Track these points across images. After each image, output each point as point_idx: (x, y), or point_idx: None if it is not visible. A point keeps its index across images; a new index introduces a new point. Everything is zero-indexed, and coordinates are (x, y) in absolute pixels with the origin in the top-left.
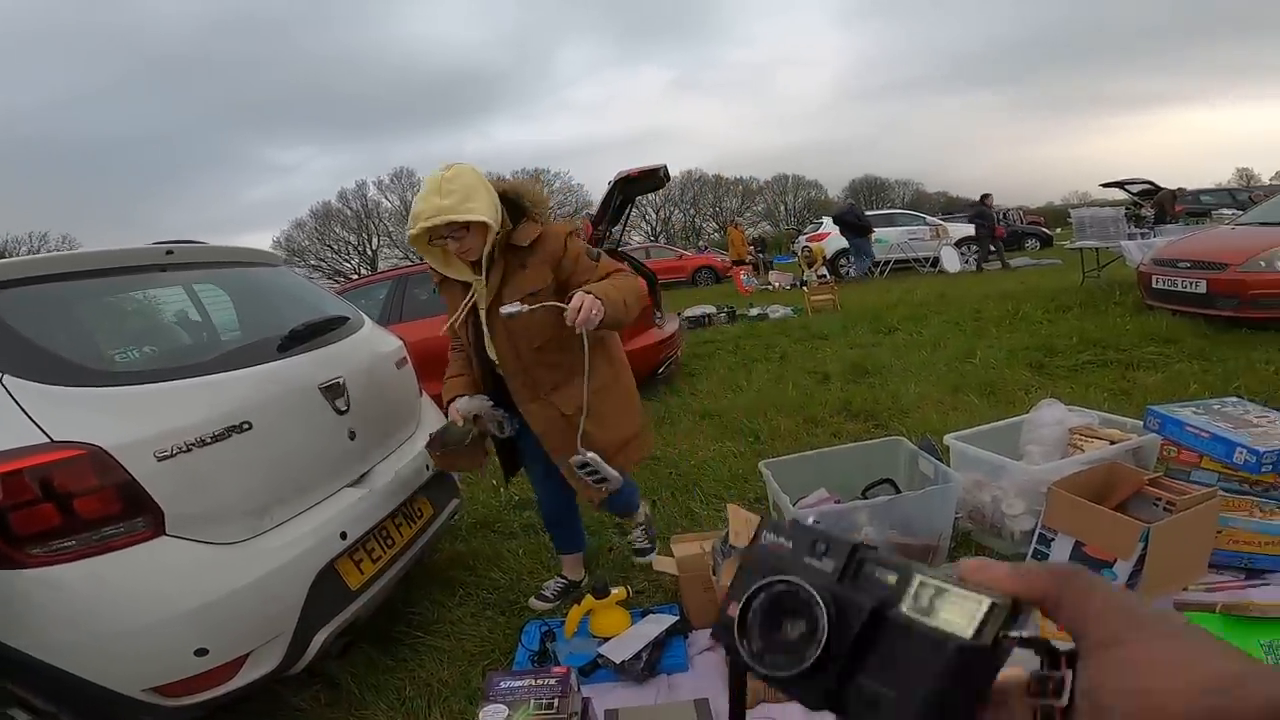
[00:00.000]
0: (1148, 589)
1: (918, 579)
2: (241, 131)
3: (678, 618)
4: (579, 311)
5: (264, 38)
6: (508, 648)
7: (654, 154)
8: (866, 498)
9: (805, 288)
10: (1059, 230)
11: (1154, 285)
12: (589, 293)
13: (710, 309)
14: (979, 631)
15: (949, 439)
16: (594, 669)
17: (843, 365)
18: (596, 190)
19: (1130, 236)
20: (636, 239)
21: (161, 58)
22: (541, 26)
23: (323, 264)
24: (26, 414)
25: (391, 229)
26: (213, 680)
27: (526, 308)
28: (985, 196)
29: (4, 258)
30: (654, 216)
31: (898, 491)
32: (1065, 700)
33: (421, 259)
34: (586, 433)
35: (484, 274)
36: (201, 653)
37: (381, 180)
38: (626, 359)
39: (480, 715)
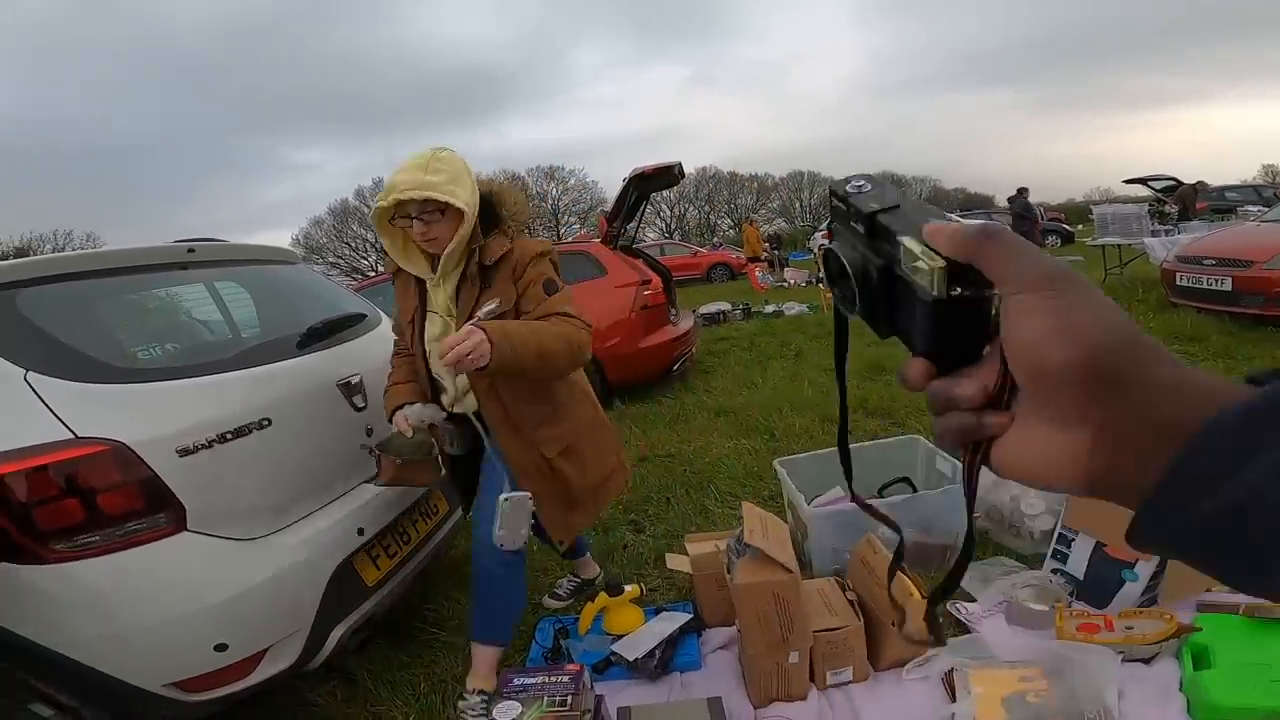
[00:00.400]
0: (1171, 590)
1: (903, 244)
2: (260, 132)
3: (691, 616)
4: (451, 349)
5: (283, 39)
6: (521, 644)
7: (669, 151)
8: (883, 496)
9: (821, 284)
10: (1080, 227)
11: (1178, 283)
12: (481, 327)
13: (725, 306)
14: (937, 289)
15: None
16: (607, 666)
17: (859, 362)
18: (611, 187)
19: (1154, 233)
20: (651, 236)
21: (183, 61)
22: (557, 24)
23: (340, 261)
24: (51, 410)
25: None
26: (232, 675)
27: (500, 307)
28: (1023, 190)
29: (29, 256)
30: (669, 213)
31: (914, 490)
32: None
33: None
34: (563, 475)
35: (443, 280)
36: (221, 648)
37: None
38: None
39: (494, 712)
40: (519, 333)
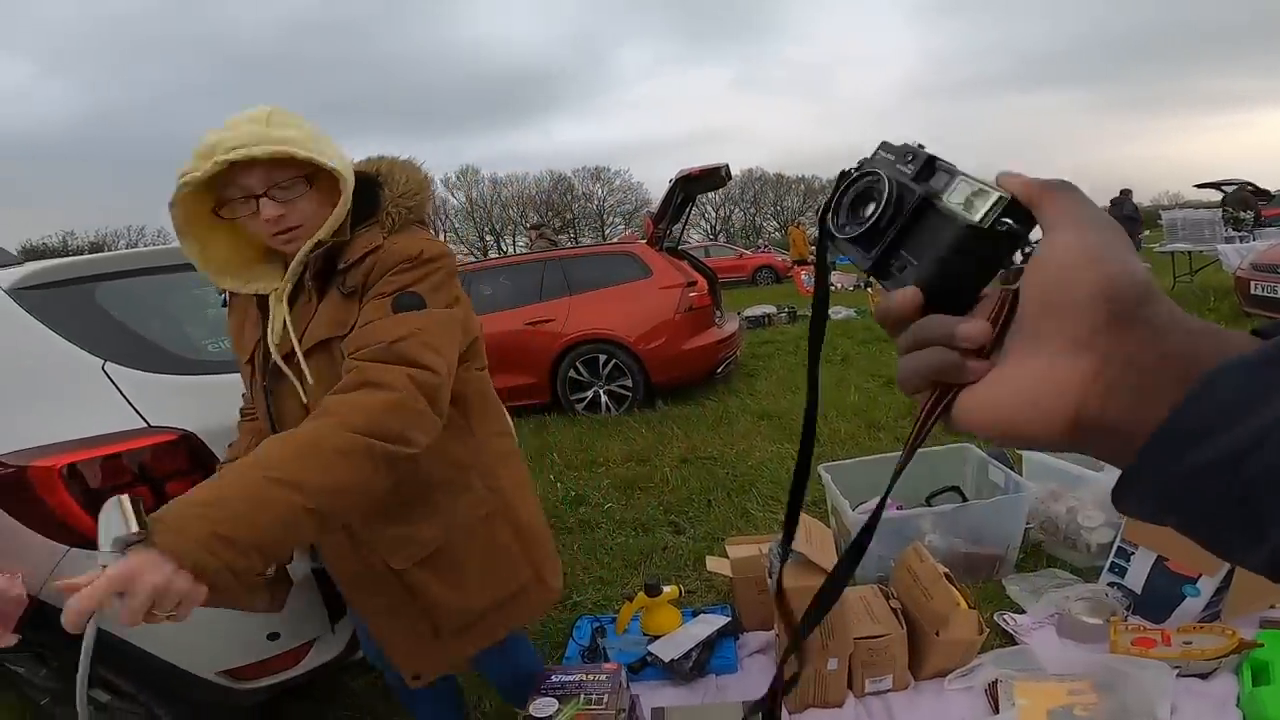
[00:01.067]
0: (1234, 606)
1: (960, 178)
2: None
3: (729, 619)
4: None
5: (340, 41)
6: (559, 641)
7: (715, 153)
8: (931, 505)
9: (869, 289)
10: (1147, 232)
11: (1252, 291)
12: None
13: (770, 309)
14: (984, 217)
15: None
16: (643, 666)
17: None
18: (656, 189)
19: (1228, 239)
20: (695, 238)
21: (250, 61)
22: (605, 26)
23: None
24: (127, 399)
25: (458, 225)
26: (280, 665)
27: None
28: (1126, 192)
29: (103, 251)
30: (713, 215)
31: (964, 500)
32: (1016, 285)
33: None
34: (422, 593)
35: (288, 290)
36: (273, 637)
37: (449, 177)
38: (523, 473)
39: (530, 708)
40: (241, 508)
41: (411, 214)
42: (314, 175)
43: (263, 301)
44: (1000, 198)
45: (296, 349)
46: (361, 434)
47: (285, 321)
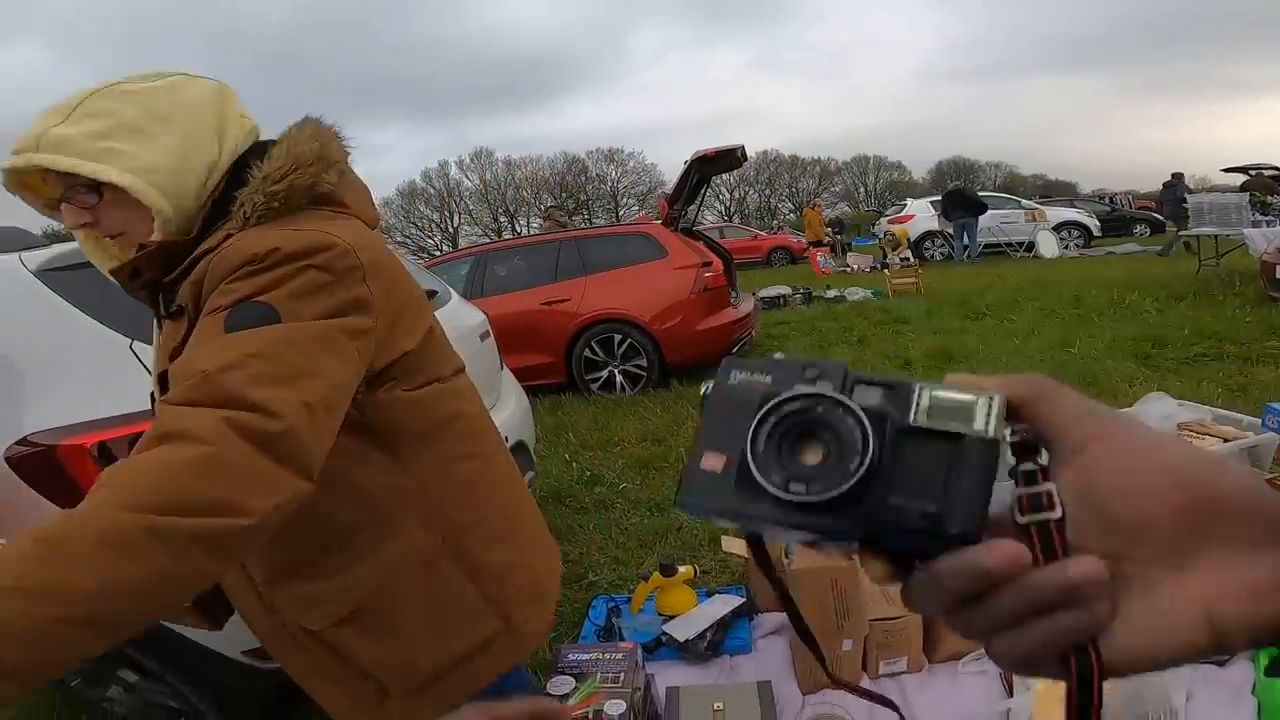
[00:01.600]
0: None
1: (916, 386)
2: (338, 115)
3: (744, 599)
4: None
5: (356, 23)
6: (575, 620)
7: (730, 134)
8: None
9: (886, 270)
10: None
11: (1278, 275)
12: None
13: (785, 290)
14: (994, 427)
15: None
16: (657, 646)
17: (925, 350)
18: (671, 170)
19: (1255, 224)
20: (710, 219)
21: (266, 47)
22: (621, 7)
23: (408, 241)
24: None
25: (472, 207)
26: None
27: None
28: (1178, 175)
29: None
30: (728, 197)
31: None
32: (1059, 510)
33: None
34: (348, 655)
35: (157, 304)
36: None
37: (463, 159)
38: (500, 501)
39: (547, 686)
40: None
41: (280, 201)
42: (93, 182)
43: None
44: (993, 398)
45: (156, 391)
46: (145, 511)
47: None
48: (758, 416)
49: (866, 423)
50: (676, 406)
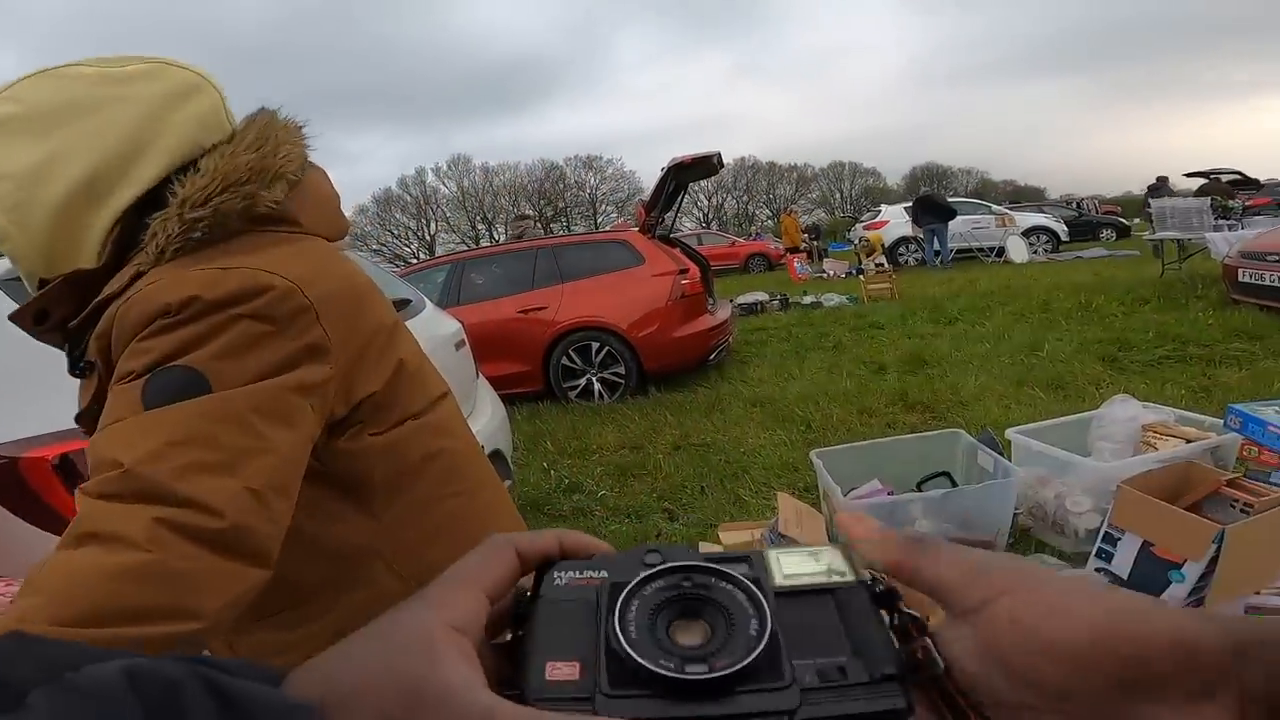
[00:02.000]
0: (1219, 591)
1: (767, 553)
2: (313, 119)
3: None
4: None
5: (333, 27)
6: None
7: (708, 140)
8: (921, 490)
9: (862, 276)
10: (1137, 220)
11: (1240, 279)
12: None
13: (763, 296)
14: (855, 572)
15: (1011, 433)
16: None
17: (900, 355)
18: (649, 177)
19: (1216, 228)
20: (688, 225)
21: (238, 46)
22: (602, 12)
23: (384, 248)
24: None
25: (449, 214)
26: None
27: None
28: (1163, 179)
29: None
30: (706, 204)
31: (954, 485)
32: (942, 666)
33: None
34: None
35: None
36: None
37: (440, 167)
38: (482, 514)
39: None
40: None
41: (204, 230)
42: None
43: None
44: (842, 544)
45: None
46: (82, 624)
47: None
48: (619, 602)
49: (750, 584)
50: (654, 414)
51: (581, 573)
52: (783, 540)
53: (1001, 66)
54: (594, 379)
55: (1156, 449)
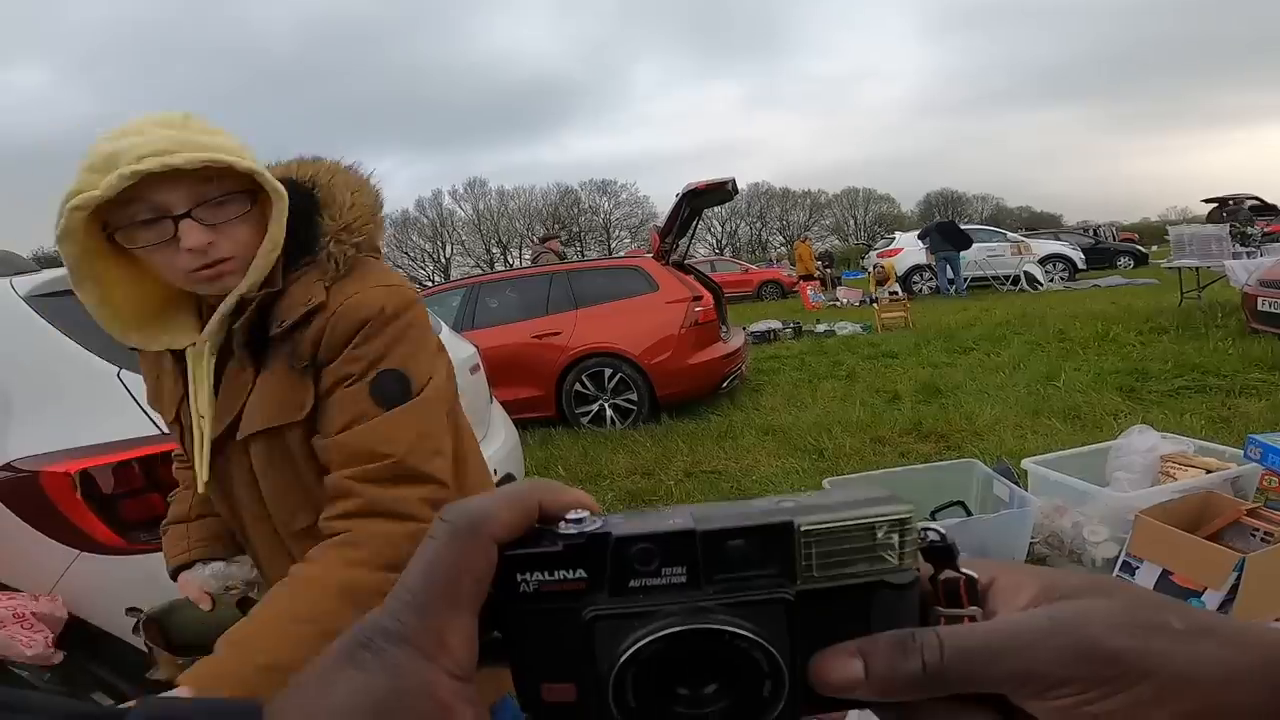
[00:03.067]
0: (1239, 617)
1: (795, 523)
2: (337, 141)
3: None
4: None
5: (355, 50)
6: None
7: (722, 166)
8: (935, 519)
9: (875, 304)
10: (1155, 248)
11: (1260, 308)
12: None
13: (776, 324)
14: (907, 560)
15: (1027, 463)
16: None
17: (914, 384)
18: (663, 202)
19: (1235, 255)
20: (702, 252)
21: (265, 69)
22: (619, 39)
23: (399, 271)
24: (141, 406)
25: (465, 238)
26: None
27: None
28: (1239, 199)
29: None
30: (719, 229)
31: (969, 514)
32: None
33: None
34: None
35: (209, 352)
36: None
37: (456, 189)
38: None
39: None
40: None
41: (359, 250)
42: (256, 191)
43: (175, 353)
44: (896, 512)
45: (207, 429)
46: (392, 570)
47: (209, 396)
48: (613, 675)
49: (764, 645)
50: (666, 440)
51: (553, 574)
52: None
53: (1017, 93)
54: (606, 405)
55: (1175, 479)
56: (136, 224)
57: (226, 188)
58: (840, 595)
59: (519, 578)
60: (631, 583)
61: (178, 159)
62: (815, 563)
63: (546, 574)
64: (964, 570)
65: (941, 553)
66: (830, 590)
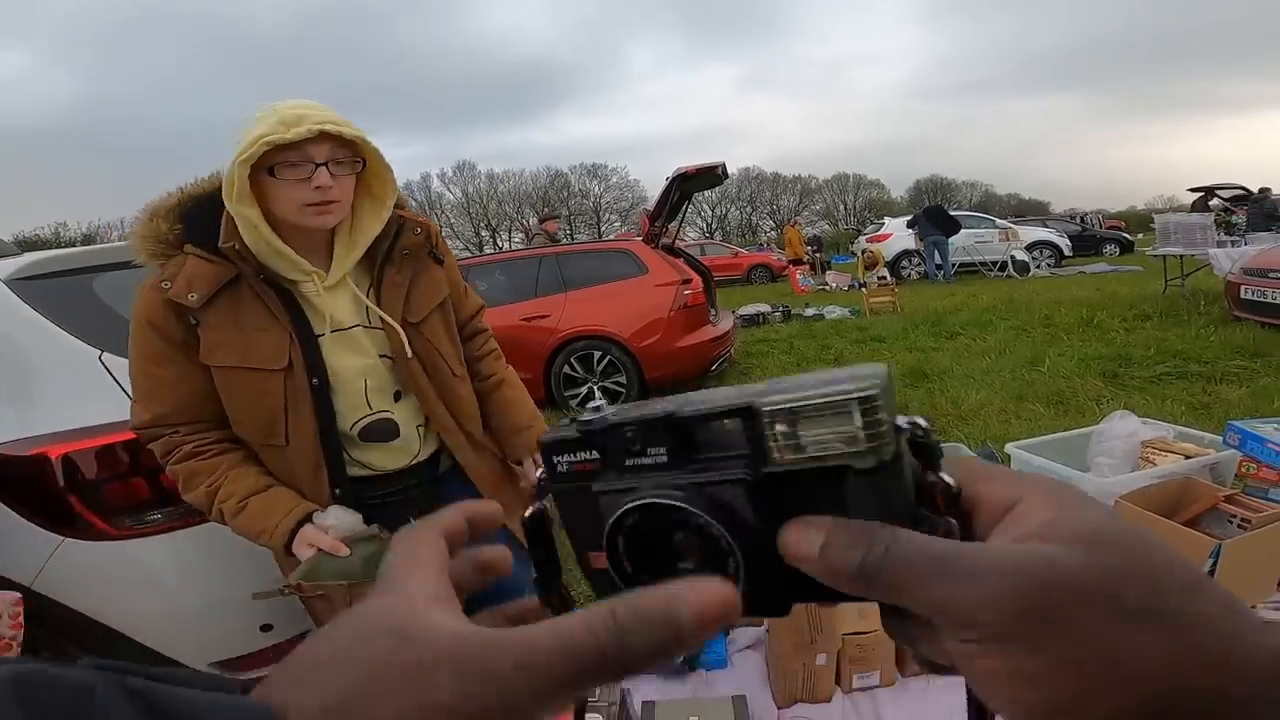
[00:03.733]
0: None
1: (765, 407)
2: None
3: None
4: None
5: (344, 30)
6: None
7: (713, 151)
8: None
9: (864, 289)
10: (1140, 235)
11: (1242, 296)
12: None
13: (765, 307)
14: (880, 441)
15: (1010, 448)
16: None
17: (900, 369)
18: (653, 186)
19: (1219, 244)
20: (691, 235)
21: (251, 52)
22: (611, 22)
23: None
24: (123, 390)
25: (454, 220)
26: (275, 657)
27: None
28: (1265, 190)
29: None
30: (709, 214)
31: None
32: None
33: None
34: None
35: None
36: (266, 628)
37: (445, 172)
38: None
39: None
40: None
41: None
42: (362, 166)
43: (279, 293)
44: (860, 395)
45: (405, 320)
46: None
47: (370, 297)
48: (605, 537)
49: (724, 532)
50: None
51: (576, 454)
52: None
53: (1007, 81)
54: (595, 388)
55: (1155, 465)
56: (289, 163)
57: (348, 154)
58: (812, 478)
59: (554, 460)
60: (628, 462)
61: (347, 131)
62: (781, 444)
63: (572, 455)
64: (942, 476)
65: (923, 451)
66: (801, 473)
